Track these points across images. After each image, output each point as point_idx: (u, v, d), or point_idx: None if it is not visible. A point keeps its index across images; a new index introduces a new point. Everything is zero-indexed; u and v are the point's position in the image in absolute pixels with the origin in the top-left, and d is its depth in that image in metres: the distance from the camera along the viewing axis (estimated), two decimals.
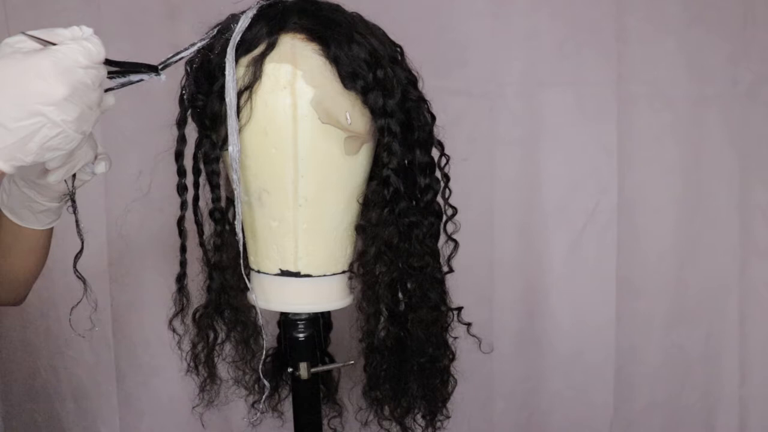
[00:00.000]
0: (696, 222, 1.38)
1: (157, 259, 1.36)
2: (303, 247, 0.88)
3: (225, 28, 0.83)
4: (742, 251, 1.38)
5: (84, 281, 0.90)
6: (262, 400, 1.06)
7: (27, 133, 0.60)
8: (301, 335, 0.97)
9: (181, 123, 0.87)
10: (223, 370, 1.06)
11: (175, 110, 0.88)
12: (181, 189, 0.91)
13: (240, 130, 0.82)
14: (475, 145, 1.35)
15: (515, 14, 1.34)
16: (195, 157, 0.89)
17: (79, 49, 0.62)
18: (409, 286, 0.92)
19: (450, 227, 0.95)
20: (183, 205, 0.91)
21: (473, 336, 1.02)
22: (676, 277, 1.40)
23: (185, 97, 0.87)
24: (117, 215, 1.35)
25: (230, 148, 0.82)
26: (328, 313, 1.09)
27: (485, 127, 1.36)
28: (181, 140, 0.88)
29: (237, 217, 0.86)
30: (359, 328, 0.96)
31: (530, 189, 1.38)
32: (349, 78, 0.82)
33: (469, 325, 1.00)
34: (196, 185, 0.91)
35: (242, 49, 0.82)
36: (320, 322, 1.00)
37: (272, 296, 0.91)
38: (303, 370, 0.97)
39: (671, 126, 1.36)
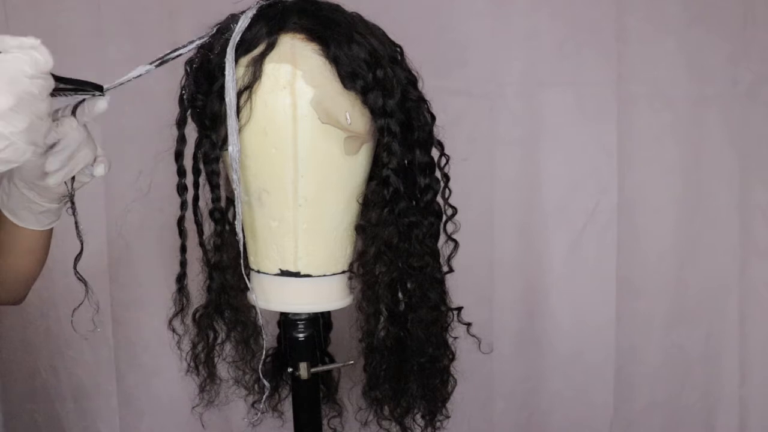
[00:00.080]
0: (696, 222, 1.38)
1: (157, 259, 1.36)
2: (303, 247, 0.88)
3: (225, 28, 0.83)
4: (742, 251, 1.39)
5: (85, 283, 0.90)
6: (262, 400, 1.06)
7: None
8: (301, 335, 0.97)
9: (180, 123, 0.87)
10: (223, 370, 1.06)
11: (175, 110, 0.88)
12: (181, 189, 0.90)
13: (240, 130, 0.82)
14: (475, 145, 1.35)
15: (515, 14, 1.34)
16: (195, 157, 0.89)
17: (25, 59, 0.60)
18: (409, 286, 0.92)
19: (450, 227, 0.95)
20: (183, 205, 0.91)
21: (473, 336, 1.02)
22: (676, 277, 1.40)
23: (185, 97, 0.87)
24: (117, 215, 1.35)
25: (230, 148, 0.82)
26: (328, 313, 1.09)
27: (485, 127, 1.36)
28: (181, 140, 0.88)
29: (237, 217, 0.86)
30: (359, 328, 0.96)
31: (530, 189, 1.38)
32: (348, 78, 0.82)
33: (469, 325, 1.00)
34: (196, 185, 0.91)
35: (242, 49, 0.82)
36: (320, 322, 1.00)
37: (272, 296, 0.91)
38: (303, 370, 0.97)
39: (671, 126, 1.36)
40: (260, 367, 0.96)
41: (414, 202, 0.90)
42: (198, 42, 0.82)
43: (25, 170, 0.79)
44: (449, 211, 0.95)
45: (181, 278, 0.97)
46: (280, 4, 0.84)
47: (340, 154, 0.85)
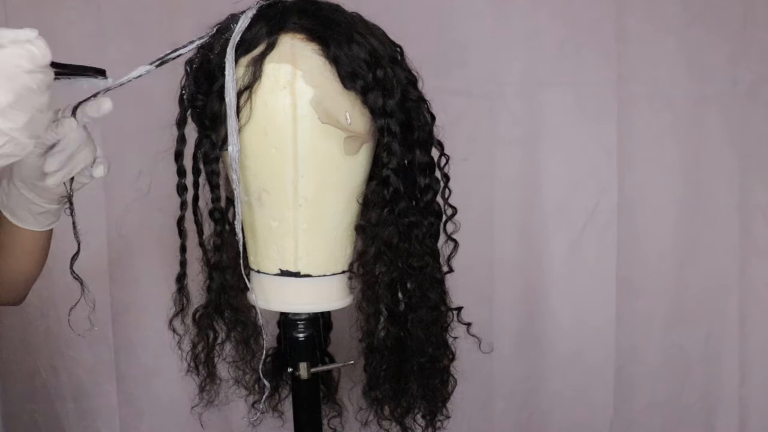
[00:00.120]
0: (696, 222, 1.38)
1: (157, 259, 1.36)
2: (303, 247, 0.88)
3: (225, 28, 0.83)
4: (742, 251, 1.38)
5: (81, 282, 0.90)
6: (262, 400, 1.06)
7: None
8: (301, 335, 0.97)
9: (180, 123, 0.87)
10: (223, 370, 1.06)
11: (175, 110, 0.88)
12: (181, 189, 0.90)
13: (240, 130, 0.82)
14: (475, 145, 1.35)
15: (515, 14, 1.34)
16: (195, 157, 0.89)
17: (22, 53, 0.59)
18: (408, 286, 0.92)
19: (450, 227, 0.95)
20: (183, 205, 0.91)
21: (473, 336, 1.02)
22: (676, 277, 1.40)
23: (185, 97, 0.87)
24: (117, 215, 1.35)
25: (230, 148, 0.82)
26: (328, 313, 1.09)
27: (485, 127, 1.36)
28: (181, 140, 0.88)
29: (237, 217, 0.86)
30: (359, 328, 0.96)
31: (530, 189, 1.38)
32: (348, 78, 0.82)
33: (469, 325, 1.00)
34: (196, 185, 0.91)
35: (242, 49, 0.82)
36: (320, 322, 1.00)
37: (272, 296, 0.91)
38: (303, 370, 0.97)
39: (671, 126, 1.36)
40: (260, 367, 0.96)
41: (414, 202, 0.90)
42: (198, 42, 0.82)
43: (24, 171, 0.79)
44: (449, 211, 0.95)
45: (181, 278, 0.97)
46: (280, 4, 0.84)
47: (340, 154, 0.85)
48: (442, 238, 0.94)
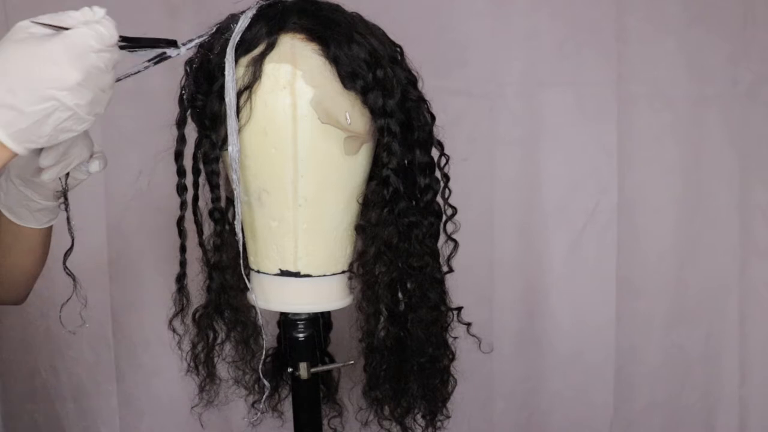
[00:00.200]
0: (696, 222, 1.38)
1: (157, 259, 1.36)
2: (303, 247, 0.88)
3: (224, 27, 0.83)
4: (742, 251, 1.38)
5: (74, 278, 0.90)
6: (262, 400, 1.06)
7: (41, 117, 0.61)
8: (300, 335, 0.97)
9: (180, 123, 0.87)
10: (223, 370, 1.06)
11: (174, 110, 0.88)
12: (181, 189, 0.90)
13: (239, 130, 0.82)
14: (475, 145, 1.35)
15: (515, 14, 1.34)
16: (195, 157, 0.89)
17: (92, 34, 0.62)
18: (408, 286, 0.92)
19: (450, 227, 0.95)
20: (183, 205, 0.91)
21: (473, 336, 1.02)
22: (676, 277, 1.40)
23: (185, 97, 0.87)
24: (117, 215, 1.35)
25: (230, 148, 0.82)
26: (328, 313, 1.09)
27: (485, 127, 1.36)
28: (181, 140, 0.88)
29: (237, 217, 0.86)
30: (359, 328, 0.96)
31: (530, 189, 1.38)
32: (348, 78, 0.82)
33: (469, 325, 1.00)
34: (196, 185, 0.91)
35: (242, 49, 0.82)
36: (320, 322, 1.00)
37: (272, 296, 0.91)
38: (303, 370, 0.97)
39: (671, 126, 1.36)
40: (260, 367, 0.96)
41: (414, 202, 0.90)
42: (198, 41, 0.82)
43: (20, 166, 0.79)
44: (449, 211, 0.95)
45: (180, 278, 0.97)
46: (280, 4, 0.84)
47: (340, 154, 0.85)
48: (442, 238, 0.94)
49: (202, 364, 1.02)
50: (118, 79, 0.73)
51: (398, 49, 0.89)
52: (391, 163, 0.86)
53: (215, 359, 1.03)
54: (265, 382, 1.02)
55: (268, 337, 0.96)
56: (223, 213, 0.91)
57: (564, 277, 1.40)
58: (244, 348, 1.00)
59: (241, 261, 0.88)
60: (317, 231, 0.88)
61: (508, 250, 1.39)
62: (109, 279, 1.39)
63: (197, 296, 0.99)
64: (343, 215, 0.89)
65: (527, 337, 1.42)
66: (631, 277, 1.39)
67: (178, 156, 0.89)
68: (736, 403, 1.42)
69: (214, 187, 0.88)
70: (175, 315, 1.00)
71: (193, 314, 1.00)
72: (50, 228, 0.90)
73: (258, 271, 0.92)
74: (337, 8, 0.86)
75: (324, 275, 0.91)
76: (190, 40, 0.79)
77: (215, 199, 0.89)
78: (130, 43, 0.69)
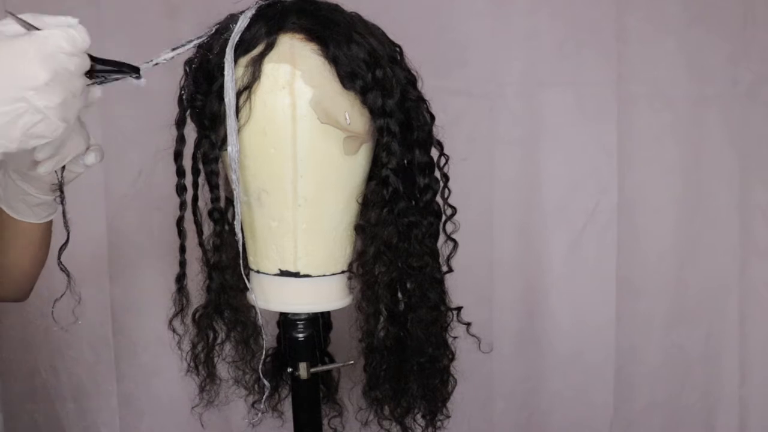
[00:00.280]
0: (696, 222, 1.38)
1: (157, 259, 1.36)
2: (302, 247, 0.88)
3: (224, 28, 0.83)
4: (742, 251, 1.38)
5: (68, 274, 0.90)
6: (262, 400, 1.06)
7: (9, 118, 0.60)
8: (300, 335, 0.97)
9: (180, 123, 0.87)
10: (223, 370, 1.06)
11: (174, 110, 0.88)
12: (181, 189, 0.90)
13: (239, 131, 0.82)
14: (474, 145, 1.35)
15: (515, 14, 1.34)
16: (194, 158, 0.89)
17: (64, 35, 0.61)
18: (408, 286, 0.92)
19: (449, 227, 0.95)
20: (182, 206, 0.91)
21: (473, 336, 1.02)
22: (676, 277, 1.40)
23: (184, 97, 0.87)
24: (117, 215, 1.36)
25: (229, 149, 0.82)
26: (328, 313, 1.09)
27: (485, 127, 1.36)
28: (180, 140, 0.88)
29: (236, 217, 0.86)
30: (359, 328, 0.96)
31: (530, 189, 1.38)
32: (348, 78, 0.82)
33: (468, 324, 1.00)
34: (195, 185, 0.91)
35: (241, 49, 0.82)
36: (320, 322, 1.00)
37: (272, 296, 0.91)
38: (303, 370, 0.97)
39: (671, 126, 1.36)
40: (260, 367, 0.96)
41: (413, 202, 0.90)
42: (197, 41, 0.82)
43: (17, 160, 0.78)
44: (449, 211, 0.95)
45: (180, 278, 0.97)
46: (279, 4, 0.84)
47: (340, 154, 0.85)
48: (441, 238, 0.94)
49: (202, 364, 1.02)
50: (103, 83, 0.73)
51: (398, 49, 0.89)
52: (390, 163, 0.86)
53: (215, 359, 1.03)
54: (265, 382, 1.02)
55: (268, 337, 0.96)
56: (223, 213, 0.91)
57: (564, 277, 1.40)
58: (244, 348, 1.00)
59: (241, 261, 0.88)
60: (317, 231, 0.88)
61: (507, 250, 1.39)
62: (109, 279, 1.39)
63: (197, 296, 0.99)
64: (342, 215, 0.89)
65: (527, 337, 1.42)
66: (631, 277, 1.39)
67: (178, 156, 0.89)
68: (736, 403, 1.42)
69: (213, 187, 0.88)
70: (175, 315, 1.00)
71: (193, 314, 1.00)
72: (50, 223, 0.90)
73: (258, 271, 0.92)
74: (337, 8, 0.86)
75: (323, 275, 0.91)
76: (155, 63, 0.78)
77: (215, 199, 0.89)
78: (95, 62, 0.68)
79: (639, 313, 1.40)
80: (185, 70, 0.87)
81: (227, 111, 0.81)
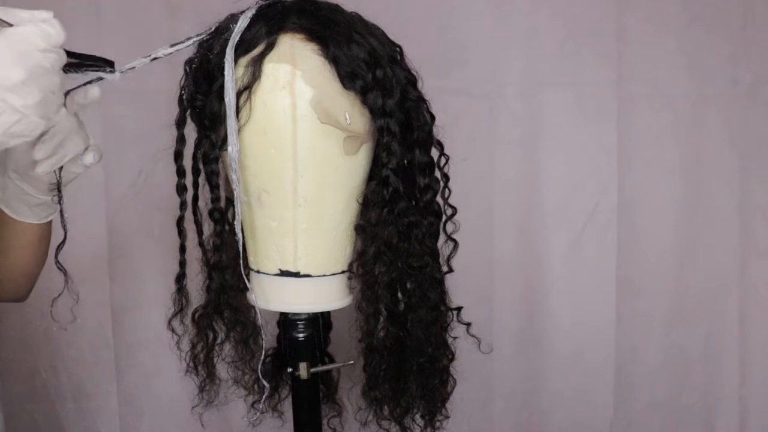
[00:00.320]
0: (696, 222, 1.38)
1: (157, 259, 1.36)
2: (302, 247, 0.88)
3: (224, 28, 0.83)
4: (742, 251, 1.39)
5: (65, 272, 0.90)
6: (262, 400, 1.06)
7: None
8: (300, 335, 0.97)
9: (180, 123, 0.87)
10: (223, 370, 1.06)
11: (174, 110, 0.88)
12: (181, 189, 0.90)
13: (239, 131, 0.82)
14: (474, 145, 1.35)
15: (515, 14, 1.34)
16: (194, 157, 0.89)
17: (37, 32, 0.60)
18: (408, 286, 0.92)
19: (449, 227, 0.95)
20: (182, 205, 0.91)
21: (473, 336, 1.02)
22: (676, 277, 1.40)
23: (184, 97, 0.87)
24: (117, 215, 1.35)
25: (229, 149, 0.82)
26: (328, 313, 1.09)
27: (485, 127, 1.36)
28: (181, 140, 0.88)
29: (236, 217, 0.86)
30: (359, 328, 0.96)
31: (530, 189, 1.38)
32: (348, 78, 0.82)
33: (468, 325, 1.00)
34: (196, 185, 0.91)
35: (241, 49, 0.82)
36: (320, 322, 1.00)
37: (272, 296, 0.91)
38: (303, 370, 0.97)
39: (671, 126, 1.36)
40: (260, 367, 0.96)
41: (413, 202, 0.90)
42: (196, 39, 0.82)
43: (15, 159, 0.78)
44: (449, 211, 0.95)
45: (180, 278, 0.97)
46: (280, 4, 0.84)
47: (340, 154, 0.85)
48: (441, 238, 0.94)
49: (202, 364, 1.02)
50: (101, 78, 0.73)
51: (398, 49, 0.89)
52: (390, 163, 0.86)
53: (215, 359, 1.03)
54: (265, 383, 1.02)
55: (268, 337, 0.96)
56: (223, 213, 0.91)
57: (564, 277, 1.40)
58: (244, 348, 1.00)
59: (241, 261, 0.88)
60: (317, 231, 0.88)
61: (507, 250, 1.39)
62: (108, 279, 1.39)
63: (197, 296, 0.99)
64: (342, 215, 0.89)
65: (527, 337, 1.42)
66: (631, 277, 1.39)
67: (178, 156, 0.89)
68: (736, 403, 1.42)
69: (213, 187, 0.88)
70: (175, 315, 1.00)
71: (193, 314, 1.00)
72: (49, 224, 0.90)
73: (258, 271, 0.92)
74: (337, 8, 0.86)
75: (324, 275, 0.91)
76: (131, 68, 0.77)
77: (215, 199, 0.89)
78: (70, 56, 0.66)
79: (639, 313, 1.40)
80: (185, 70, 0.87)
81: (227, 111, 0.81)
